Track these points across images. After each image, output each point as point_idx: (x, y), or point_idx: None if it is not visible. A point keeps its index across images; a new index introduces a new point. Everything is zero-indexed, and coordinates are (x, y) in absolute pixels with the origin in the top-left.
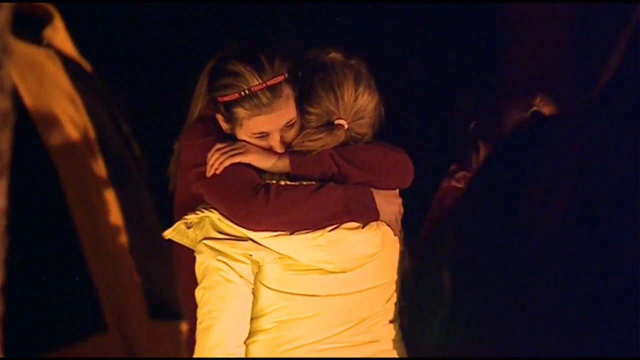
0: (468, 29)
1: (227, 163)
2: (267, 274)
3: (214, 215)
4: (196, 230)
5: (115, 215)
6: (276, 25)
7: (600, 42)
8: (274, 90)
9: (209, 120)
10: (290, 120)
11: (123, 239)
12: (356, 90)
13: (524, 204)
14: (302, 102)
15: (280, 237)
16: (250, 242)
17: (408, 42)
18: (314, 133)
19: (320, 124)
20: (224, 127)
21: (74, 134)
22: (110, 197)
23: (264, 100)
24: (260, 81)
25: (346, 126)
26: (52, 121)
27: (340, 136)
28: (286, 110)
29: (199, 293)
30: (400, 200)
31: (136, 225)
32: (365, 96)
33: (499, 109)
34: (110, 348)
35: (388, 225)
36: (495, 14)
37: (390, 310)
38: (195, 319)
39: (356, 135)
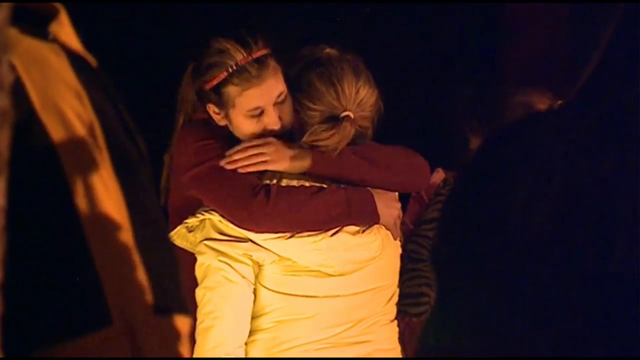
0: (466, 28)
1: (253, 169)
2: (266, 275)
3: (215, 217)
4: (196, 232)
5: (121, 210)
6: (276, 25)
7: (599, 41)
8: (260, 62)
9: (201, 124)
10: (281, 93)
11: (129, 233)
12: (357, 83)
13: (510, 202)
14: (302, 98)
15: (280, 239)
16: (250, 243)
17: (406, 41)
18: (325, 130)
19: (323, 120)
20: (216, 120)
21: (80, 128)
22: (116, 191)
23: (253, 72)
24: (246, 55)
25: (353, 116)
26: (58, 116)
27: (351, 130)
28: (275, 82)
29: (200, 293)
30: (399, 205)
31: (141, 220)
32: (366, 89)
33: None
34: (115, 342)
35: (387, 229)
36: (493, 14)
37: (390, 311)
38: (195, 317)
39: (360, 129)
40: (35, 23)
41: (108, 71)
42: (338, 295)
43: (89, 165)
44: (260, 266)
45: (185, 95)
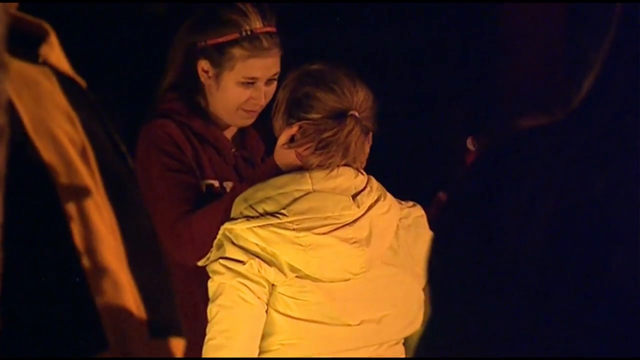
0: (462, 38)
1: None
2: (275, 297)
3: (238, 226)
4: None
5: (114, 233)
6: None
7: (597, 50)
8: (272, 37)
9: (160, 126)
10: (276, 74)
11: (122, 256)
12: (354, 85)
13: (506, 215)
14: (304, 112)
15: (259, 229)
16: (259, 260)
17: (401, 51)
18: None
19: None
20: (202, 78)
21: (72, 151)
22: (109, 214)
23: (265, 43)
24: (262, 25)
25: (358, 116)
26: (50, 139)
27: (356, 127)
28: (276, 61)
29: (213, 310)
30: None
31: (135, 242)
32: (364, 91)
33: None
34: None
35: None
36: (489, 24)
37: (399, 337)
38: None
39: (365, 128)
40: (25, 46)
41: (97, 92)
42: (348, 325)
43: (82, 187)
44: (273, 286)
45: (176, 53)
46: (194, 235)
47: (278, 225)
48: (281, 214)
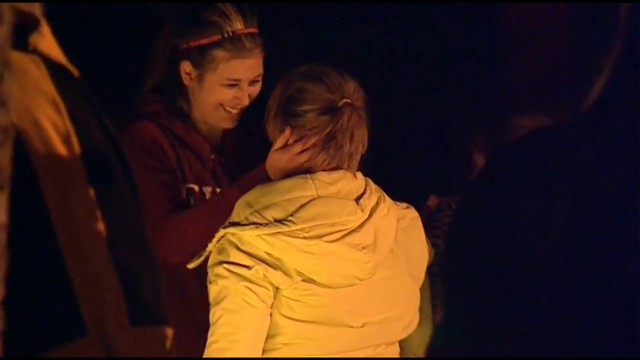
0: (467, 39)
1: None
2: (279, 300)
3: (246, 233)
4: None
5: (97, 221)
6: (270, 34)
7: (602, 49)
8: (254, 37)
9: (142, 129)
10: (259, 75)
11: (103, 242)
12: (343, 75)
13: (518, 218)
14: (296, 105)
15: (268, 236)
16: (265, 265)
17: (405, 51)
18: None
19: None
20: (184, 79)
21: (55, 138)
22: (93, 204)
23: (247, 44)
24: (244, 26)
25: (351, 102)
26: (34, 126)
27: (352, 115)
28: (258, 62)
29: (217, 313)
30: None
31: (119, 231)
32: (354, 83)
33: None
34: (90, 353)
35: None
36: (494, 24)
37: (398, 338)
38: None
39: (361, 116)
40: (15, 35)
41: (94, 81)
42: (351, 327)
43: (64, 175)
44: (277, 289)
45: (159, 55)
46: (179, 235)
47: (287, 233)
48: (289, 221)
